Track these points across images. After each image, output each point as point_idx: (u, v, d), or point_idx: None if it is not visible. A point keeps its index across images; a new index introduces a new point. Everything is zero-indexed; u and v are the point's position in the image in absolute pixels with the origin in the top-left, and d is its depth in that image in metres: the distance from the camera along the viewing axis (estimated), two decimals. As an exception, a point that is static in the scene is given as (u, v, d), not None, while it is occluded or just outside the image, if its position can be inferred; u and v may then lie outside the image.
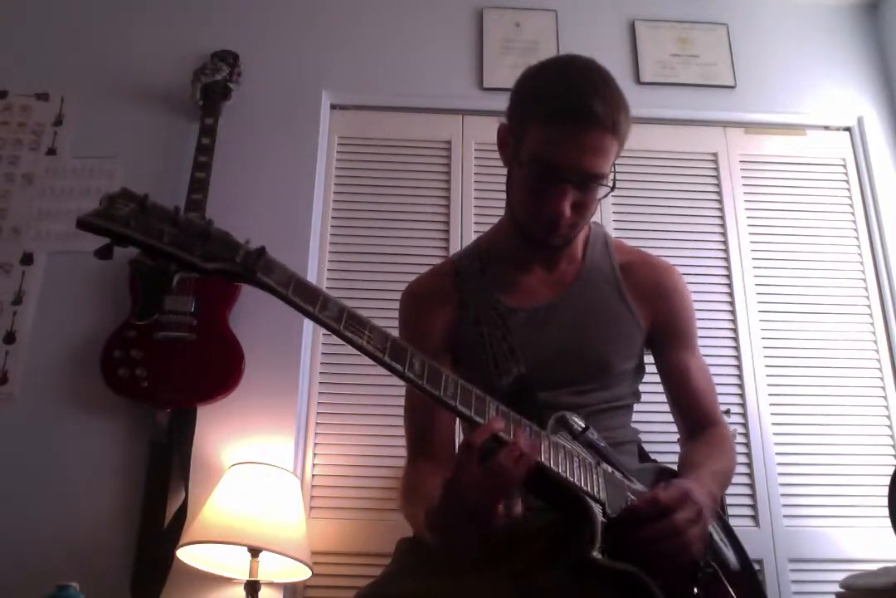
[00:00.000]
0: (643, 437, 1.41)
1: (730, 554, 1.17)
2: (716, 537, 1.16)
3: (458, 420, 1.31)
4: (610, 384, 1.28)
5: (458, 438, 1.42)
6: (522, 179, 1.21)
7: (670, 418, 1.40)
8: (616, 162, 1.21)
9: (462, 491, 0.92)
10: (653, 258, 1.40)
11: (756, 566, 2.08)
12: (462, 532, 0.94)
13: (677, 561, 1.02)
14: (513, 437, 0.94)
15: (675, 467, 1.29)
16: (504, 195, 1.30)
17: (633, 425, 1.37)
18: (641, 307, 1.32)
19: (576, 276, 1.32)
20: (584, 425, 1.12)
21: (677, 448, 1.36)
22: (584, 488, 1.01)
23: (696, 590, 1.05)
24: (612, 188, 1.18)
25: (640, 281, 1.33)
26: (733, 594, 1.09)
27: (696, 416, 1.33)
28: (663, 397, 1.39)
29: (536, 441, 0.99)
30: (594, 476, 1.04)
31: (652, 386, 1.38)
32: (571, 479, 1.00)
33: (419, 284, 1.41)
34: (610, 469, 1.09)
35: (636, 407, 1.38)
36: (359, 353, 0.93)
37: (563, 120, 1.13)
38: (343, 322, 0.92)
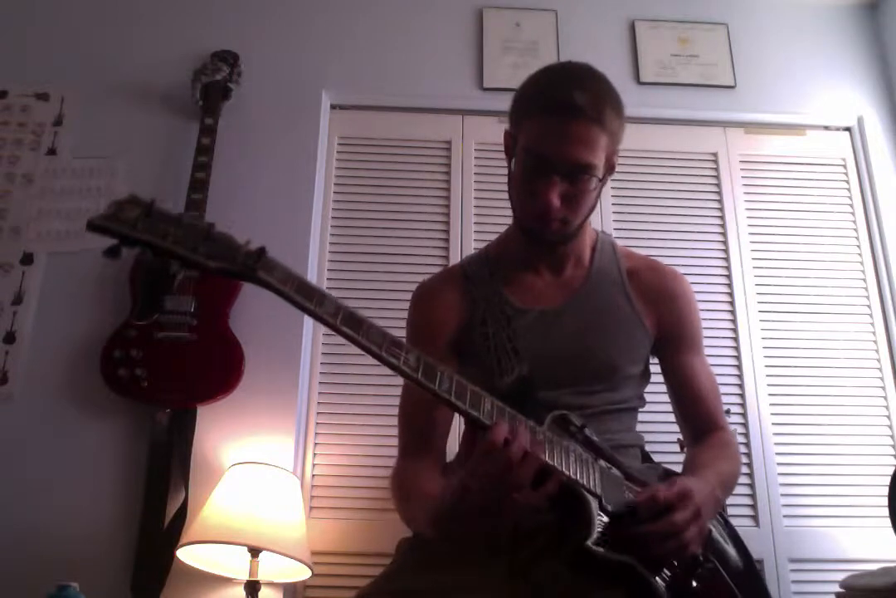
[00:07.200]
0: (648, 438, 1.40)
1: (731, 551, 1.18)
2: (716, 534, 1.16)
3: (456, 418, 1.31)
4: (614, 387, 1.29)
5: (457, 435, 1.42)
6: (515, 173, 1.25)
7: (673, 420, 1.40)
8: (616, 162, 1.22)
9: (476, 489, 0.97)
10: (660, 264, 1.42)
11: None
12: (471, 526, 1.00)
13: (675, 558, 1.04)
14: (515, 437, 0.97)
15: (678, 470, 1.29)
16: (506, 196, 1.31)
17: (638, 430, 1.37)
18: (648, 312, 1.33)
19: (584, 280, 1.33)
20: (581, 424, 1.13)
21: (681, 453, 1.35)
22: (580, 481, 1.03)
23: (694, 584, 1.06)
24: (602, 180, 1.21)
25: (646, 286, 1.35)
26: (734, 588, 1.10)
27: (700, 419, 1.33)
28: (667, 399, 1.39)
29: (533, 437, 1.00)
30: (590, 471, 1.06)
31: (656, 386, 1.38)
32: (567, 472, 1.02)
33: (427, 286, 1.42)
34: (606, 465, 1.10)
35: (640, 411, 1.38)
36: (359, 352, 0.96)
37: (549, 112, 1.18)
38: (340, 318, 0.95)
